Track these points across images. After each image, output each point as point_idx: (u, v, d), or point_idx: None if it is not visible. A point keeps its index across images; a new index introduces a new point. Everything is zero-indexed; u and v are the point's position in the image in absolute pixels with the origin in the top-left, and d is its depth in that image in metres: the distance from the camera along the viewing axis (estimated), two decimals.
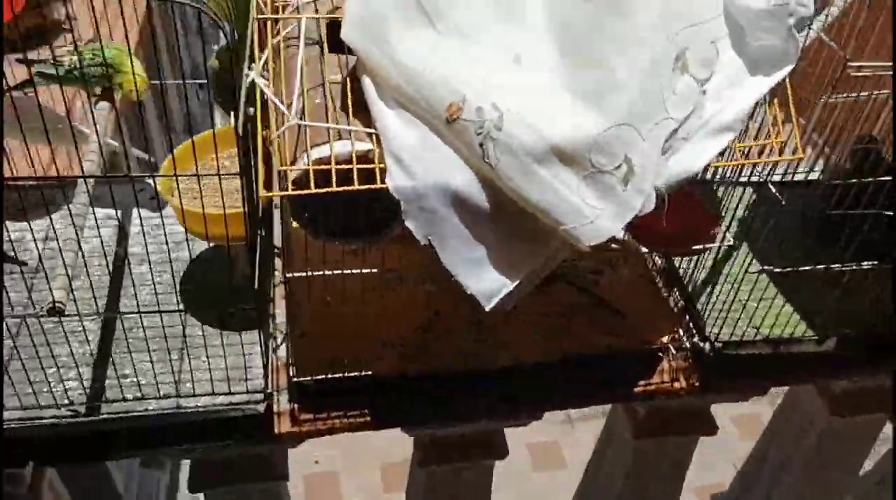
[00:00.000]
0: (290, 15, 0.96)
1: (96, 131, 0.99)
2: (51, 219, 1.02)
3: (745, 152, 0.99)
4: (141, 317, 1.15)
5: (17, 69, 1.35)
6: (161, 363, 1.21)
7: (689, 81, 0.92)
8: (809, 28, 0.97)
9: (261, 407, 1.21)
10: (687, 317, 1.40)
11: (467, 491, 1.84)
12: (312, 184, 0.91)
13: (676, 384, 1.41)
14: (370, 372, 1.26)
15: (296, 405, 1.28)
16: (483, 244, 0.97)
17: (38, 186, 1.09)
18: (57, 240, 0.95)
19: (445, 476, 1.80)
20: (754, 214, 1.24)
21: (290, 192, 0.91)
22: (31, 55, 1.39)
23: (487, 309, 1.01)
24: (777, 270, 1.19)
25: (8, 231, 1.34)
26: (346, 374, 1.25)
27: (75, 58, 1.15)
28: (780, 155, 0.99)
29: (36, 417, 1.17)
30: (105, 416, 1.19)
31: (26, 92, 1.34)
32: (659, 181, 0.93)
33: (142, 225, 1.03)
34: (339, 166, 0.92)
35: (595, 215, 0.91)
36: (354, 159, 0.92)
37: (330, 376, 1.24)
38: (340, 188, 0.91)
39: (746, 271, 1.20)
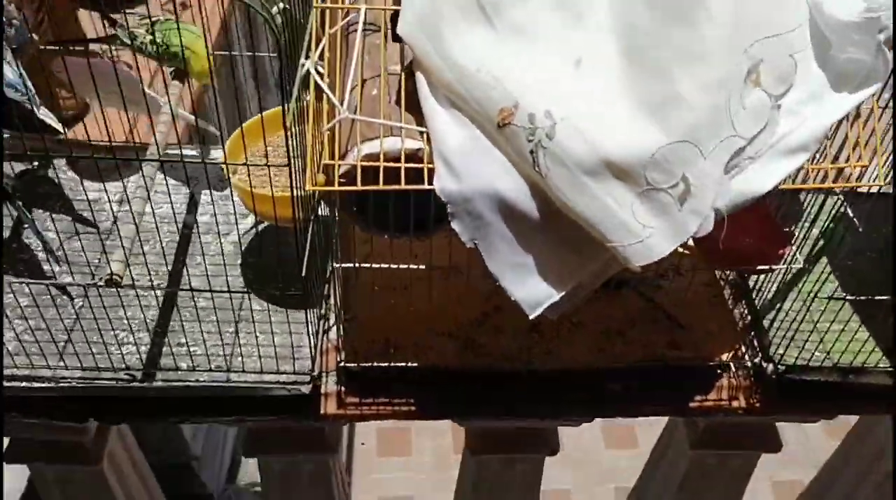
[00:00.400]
0: (351, 5, 0.95)
1: (147, 104, 1.00)
2: (105, 189, 1.05)
3: (818, 175, 0.93)
4: (193, 294, 1.17)
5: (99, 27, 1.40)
6: (214, 336, 1.24)
7: (761, 96, 0.86)
8: None
9: (306, 389, 1.22)
10: (752, 333, 1.34)
11: (517, 482, 1.83)
12: (359, 180, 0.90)
13: (735, 403, 1.35)
14: (416, 364, 1.26)
15: (342, 388, 1.29)
16: (530, 252, 0.94)
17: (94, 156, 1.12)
18: (113, 214, 0.97)
19: (495, 466, 1.79)
20: (836, 229, 1.16)
21: (335, 187, 0.90)
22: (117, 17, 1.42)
23: (531, 317, 0.99)
24: (849, 297, 1.12)
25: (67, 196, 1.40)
26: (393, 363, 1.25)
27: (143, 31, 1.17)
28: (858, 180, 0.92)
29: (95, 378, 1.22)
30: (159, 383, 1.23)
31: (104, 53, 1.38)
32: (720, 202, 0.88)
33: (191, 202, 1.04)
34: (388, 163, 0.91)
35: (647, 234, 0.87)
36: (403, 158, 0.91)
37: (376, 364, 1.25)
38: (387, 187, 0.90)
39: (816, 296, 1.13)
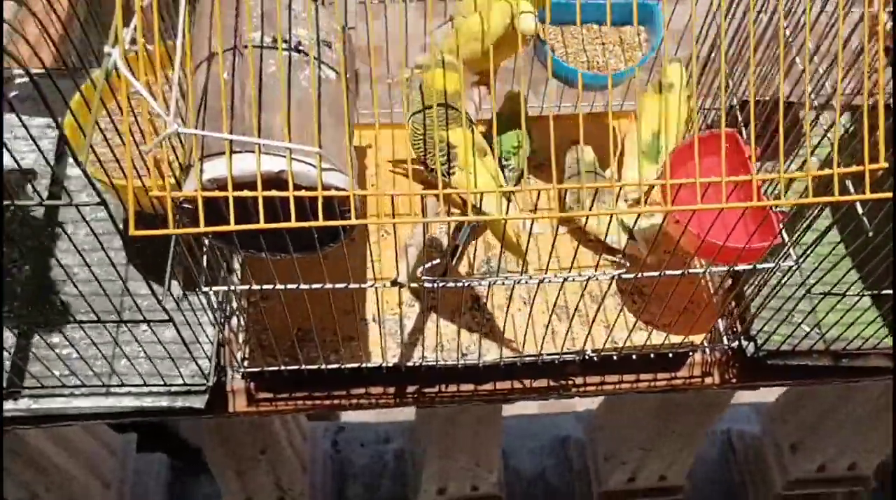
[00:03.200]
0: None
1: None
2: None
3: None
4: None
5: None
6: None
7: None
8: None
9: (199, 402, 1.04)
10: (733, 305, 1.13)
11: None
12: (202, 217, 0.66)
13: (708, 379, 1.18)
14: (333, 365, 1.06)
15: (251, 384, 1.11)
16: None
17: None
18: None
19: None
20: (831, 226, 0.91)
21: (168, 230, 0.66)
22: None
23: None
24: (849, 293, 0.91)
25: None
26: (306, 366, 1.06)
27: None
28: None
29: None
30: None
31: None
32: None
33: None
34: (238, 194, 0.66)
35: None
36: (259, 184, 0.66)
37: (284, 367, 1.05)
38: (239, 228, 0.66)
39: (809, 291, 0.92)
